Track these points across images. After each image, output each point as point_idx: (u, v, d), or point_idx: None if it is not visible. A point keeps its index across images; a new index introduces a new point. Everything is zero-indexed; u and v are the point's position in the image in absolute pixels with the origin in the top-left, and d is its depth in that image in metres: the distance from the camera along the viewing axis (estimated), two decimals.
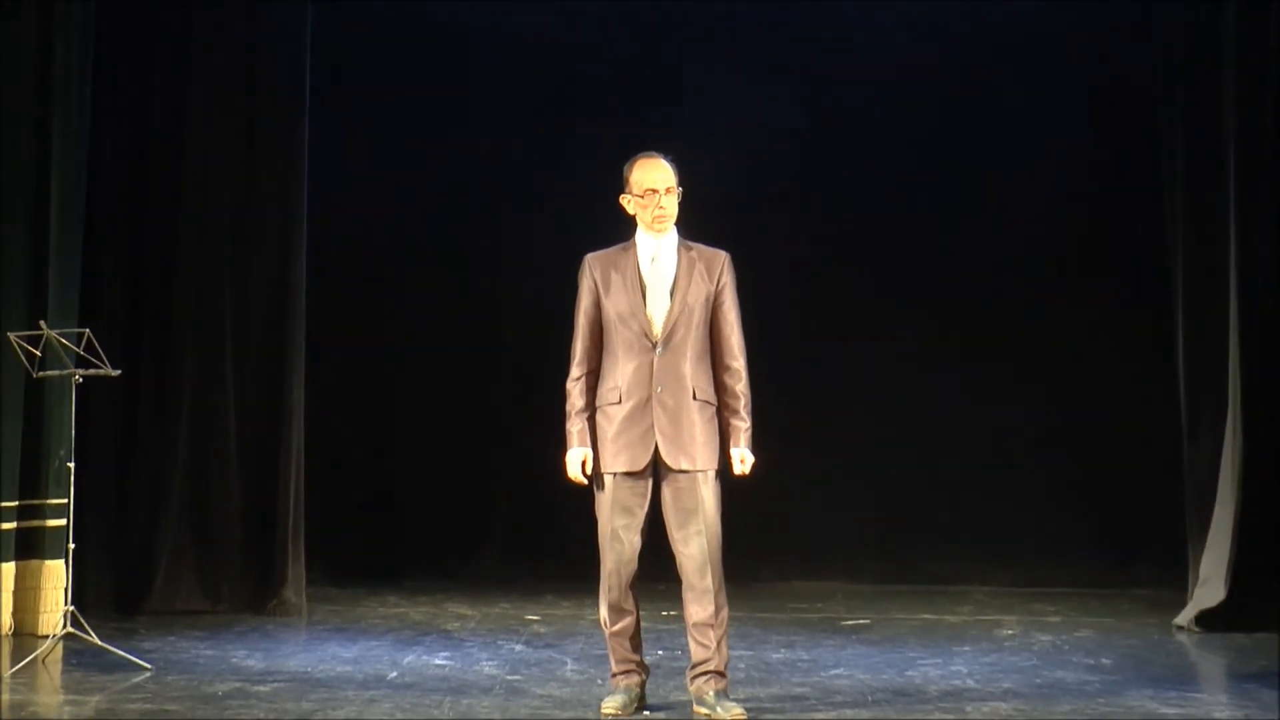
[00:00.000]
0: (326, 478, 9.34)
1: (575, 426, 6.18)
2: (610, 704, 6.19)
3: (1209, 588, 8.32)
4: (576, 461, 6.17)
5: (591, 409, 6.19)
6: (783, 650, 7.64)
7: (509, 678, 6.89)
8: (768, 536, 9.81)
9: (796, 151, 9.96)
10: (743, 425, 6.20)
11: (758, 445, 9.31)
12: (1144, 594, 9.35)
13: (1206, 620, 8.21)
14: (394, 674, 6.95)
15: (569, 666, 7.16)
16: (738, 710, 6.07)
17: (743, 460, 6.20)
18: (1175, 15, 8.74)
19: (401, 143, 9.97)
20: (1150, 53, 9.06)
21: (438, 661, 7.27)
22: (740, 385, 6.20)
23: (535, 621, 8.37)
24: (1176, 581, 8.81)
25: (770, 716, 6.16)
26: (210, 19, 8.73)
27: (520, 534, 9.72)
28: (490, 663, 7.24)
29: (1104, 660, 7.41)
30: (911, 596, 9.33)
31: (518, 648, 7.64)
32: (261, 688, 6.62)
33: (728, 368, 6.19)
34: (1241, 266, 8.33)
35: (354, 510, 9.85)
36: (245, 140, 8.77)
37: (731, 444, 6.20)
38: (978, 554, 9.78)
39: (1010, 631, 8.22)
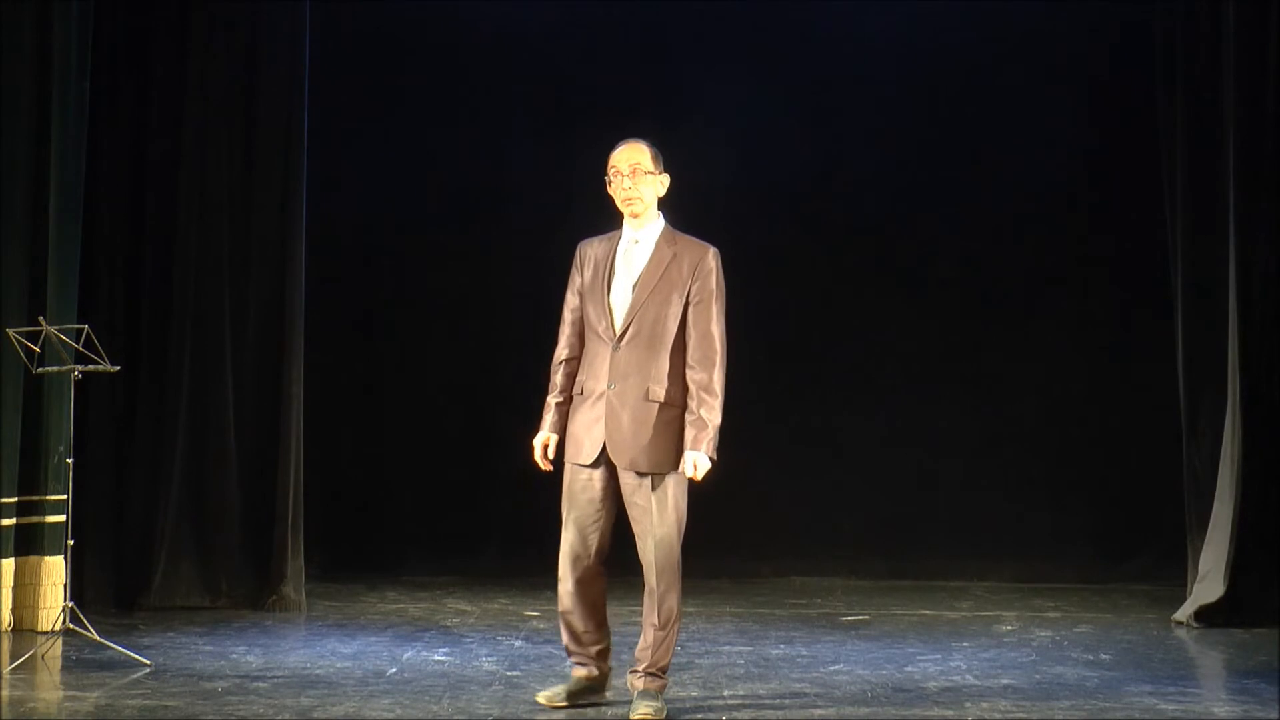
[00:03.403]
0: (326, 473, 9.36)
1: (547, 411, 6.18)
2: (542, 693, 6.19)
3: (1208, 583, 8.33)
4: (539, 445, 6.17)
5: (569, 394, 6.16)
6: (782, 646, 7.64)
7: (508, 674, 6.89)
8: (768, 532, 9.84)
9: (796, 150, 9.96)
10: (697, 430, 5.94)
11: (757, 441, 9.32)
12: (1143, 589, 9.37)
13: (1206, 616, 8.21)
14: (393, 670, 6.95)
15: (568, 662, 7.13)
16: (645, 710, 5.97)
17: (695, 465, 5.94)
18: (1175, 13, 8.75)
19: (400, 141, 9.98)
20: (1150, 52, 9.06)
21: (437, 657, 7.27)
22: (700, 387, 5.97)
23: (534, 617, 8.37)
24: (1176, 577, 8.83)
25: (770, 713, 6.15)
26: (209, 18, 8.73)
27: (520, 530, 9.71)
28: (489, 659, 7.25)
29: (1103, 656, 7.41)
30: (911, 592, 9.34)
31: (517, 644, 7.64)
32: (261, 683, 6.62)
33: (691, 367, 6.00)
34: (1241, 265, 8.34)
35: (353, 506, 9.87)
36: (244, 138, 8.77)
37: (687, 446, 5.96)
38: (977, 550, 9.79)
39: (1009, 627, 8.22)
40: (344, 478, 9.82)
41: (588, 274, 6.17)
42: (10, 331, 7.36)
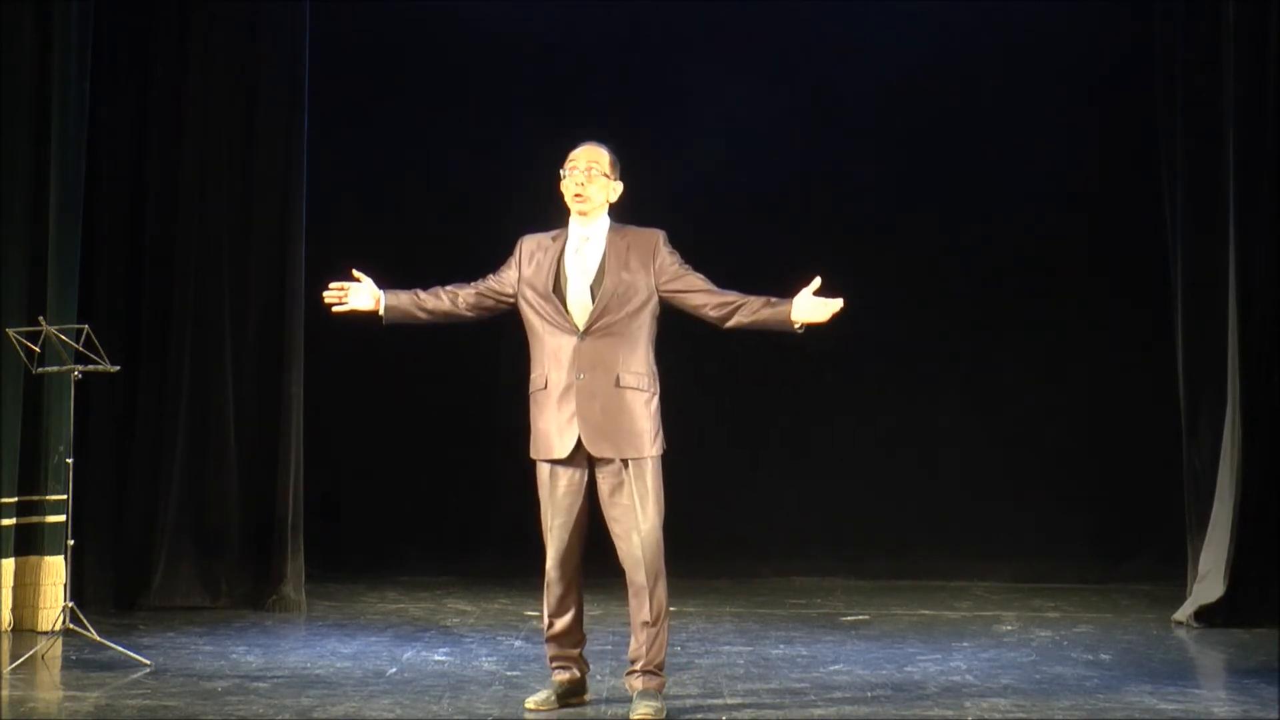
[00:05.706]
0: (326, 473, 9.35)
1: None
2: (531, 699, 6.18)
3: (1208, 583, 8.33)
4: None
5: (418, 295, 6.39)
6: (782, 646, 7.64)
7: (508, 673, 6.89)
8: (768, 532, 9.83)
9: (795, 150, 9.96)
10: (775, 301, 6.05)
11: (758, 441, 9.31)
12: (1143, 589, 9.37)
13: (1205, 615, 8.21)
14: (393, 670, 6.95)
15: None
16: (645, 710, 5.96)
17: (820, 307, 6.04)
18: (1175, 14, 8.75)
19: (400, 141, 9.97)
20: (1150, 53, 9.06)
21: (437, 657, 7.28)
22: (735, 296, 6.06)
23: (534, 617, 8.35)
24: (1175, 577, 8.82)
25: (769, 712, 6.15)
26: (209, 18, 8.74)
27: (520, 530, 9.66)
28: (489, 659, 7.25)
29: (1103, 656, 7.41)
30: (911, 592, 9.34)
31: (517, 643, 7.64)
32: (260, 683, 6.62)
33: (714, 299, 6.05)
34: (1241, 265, 8.33)
35: (353, 506, 9.86)
36: (243, 137, 8.79)
37: (794, 301, 6.05)
38: (977, 550, 9.79)
39: (1009, 627, 8.22)
40: (344, 477, 9.81)
41: (528, 269, 6.21)
42: (10, 331, 7.37)
